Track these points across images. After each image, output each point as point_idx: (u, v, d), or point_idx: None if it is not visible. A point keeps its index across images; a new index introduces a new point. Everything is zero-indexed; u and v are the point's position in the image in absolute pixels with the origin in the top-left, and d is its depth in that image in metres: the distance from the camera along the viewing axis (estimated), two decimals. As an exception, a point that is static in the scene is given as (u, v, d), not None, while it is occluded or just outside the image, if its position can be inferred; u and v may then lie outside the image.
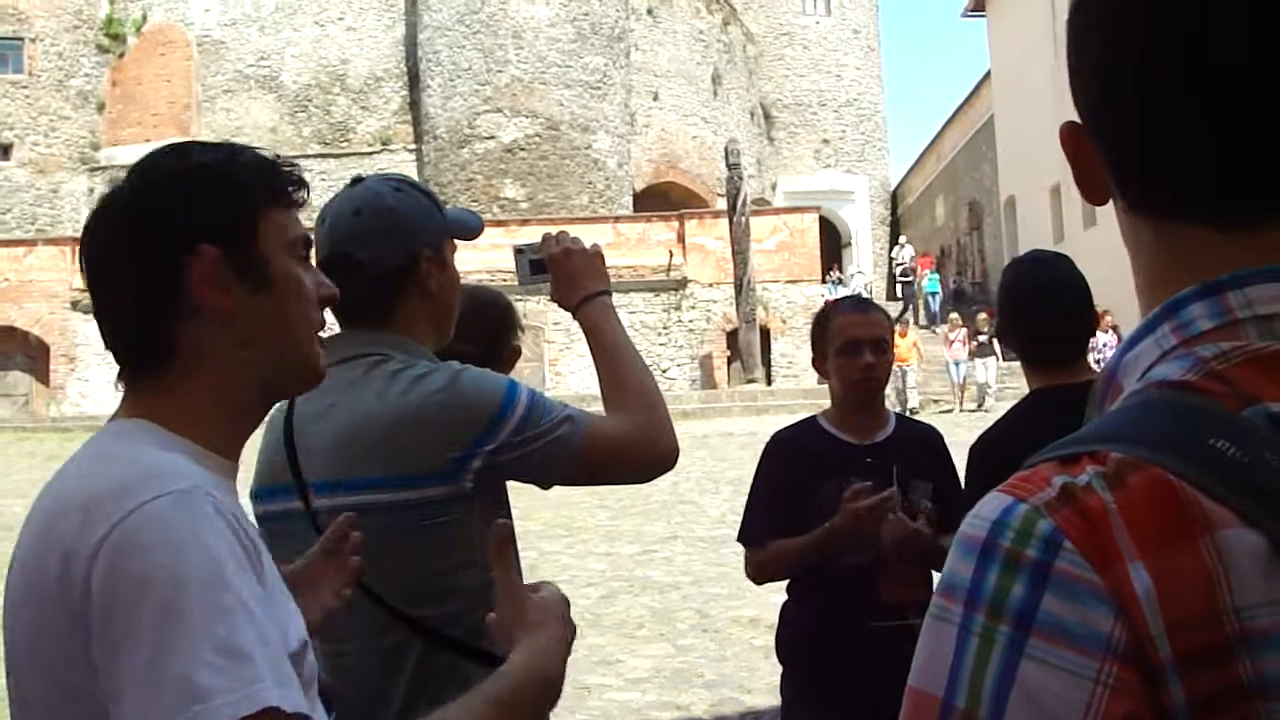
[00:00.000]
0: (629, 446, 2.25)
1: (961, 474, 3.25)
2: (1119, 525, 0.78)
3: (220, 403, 1.44)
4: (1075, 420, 2.20)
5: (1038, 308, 3.08)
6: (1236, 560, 0.75)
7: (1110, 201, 1.00)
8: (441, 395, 2.13)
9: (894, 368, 24.52)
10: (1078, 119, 1.01)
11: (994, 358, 25.86)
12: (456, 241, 2.40)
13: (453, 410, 2.12)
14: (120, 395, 1.48)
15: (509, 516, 2.26)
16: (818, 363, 3.77)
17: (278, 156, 1.57)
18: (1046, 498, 0.81)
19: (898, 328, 25.82)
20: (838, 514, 3.35)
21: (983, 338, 25.74)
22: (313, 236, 1.60)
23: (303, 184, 1.56)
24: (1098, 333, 22.75)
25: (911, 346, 26.66)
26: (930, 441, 3.77)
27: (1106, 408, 0.93)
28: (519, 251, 2.54)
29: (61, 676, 1.23)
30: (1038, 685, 0.76)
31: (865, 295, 29.65)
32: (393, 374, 2.17)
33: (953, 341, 27.36)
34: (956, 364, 27.16)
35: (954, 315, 29.66)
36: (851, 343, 3.59)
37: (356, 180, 2.37)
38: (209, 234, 1.42)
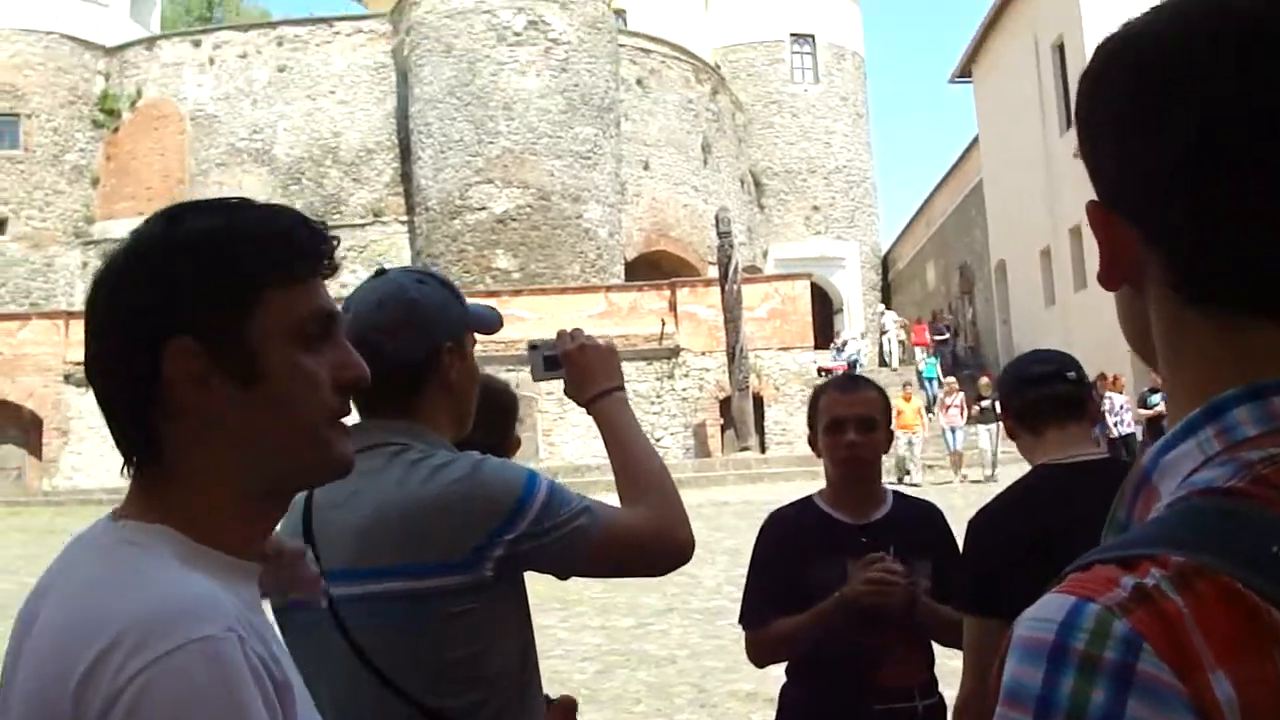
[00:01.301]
0: (645, 539, 2.27)
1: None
2: (1195, 631, 0.75)
3: (226, 504, 1.30)
4: (1079, 501, 2.24)
5: (1035, 381, 3.14)
6: None
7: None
8: (462, 484, 2.14)
9: (897, 434, 23.81)
10: (1096, 196, 0.97)
11: (997, 424, 22.87)
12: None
13: (474, 500, 2.13)
14: (128, 480, 1.36)
15: (527, 607, 2.31)
16: (812, 440, 3.76)
17: (297, 217, 1.41)
18: (1118, 598, 0.77)
19: (902, 391, 25.55)
20: (846, 585, 3.36)
21: (985, 403, 23.98)
22: (335, 308, 1.42)
23: (324, 250, 1.39)
24: (1110, 394, 22.78)
25: (917, 412, 25.77)
26: (930, 519, 3.75)
27: (1139, 509, 0.91)
28: (533, 347, 2.55)
29: None
30: None
31: (859, 367, 29.08)
32: (413, 463, 2.18)
33: (949, 407, 26.16)
34: (954, 430, 25.71)
35: (950, 380, 28.66)
36: (836, 421, 3.59)
37: (380, 272, 2.40)
38: (186, 323, 1.28)
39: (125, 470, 1.34)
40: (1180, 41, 0.90)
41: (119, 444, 1.33)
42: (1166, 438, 0.90)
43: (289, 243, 1.36)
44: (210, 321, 1.28)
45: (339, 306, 1.50)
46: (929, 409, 29.25)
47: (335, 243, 1.41)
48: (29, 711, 1.16)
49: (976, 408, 25.01)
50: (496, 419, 3.15)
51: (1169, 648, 0.74)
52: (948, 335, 41.15)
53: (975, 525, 3.12)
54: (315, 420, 1.34)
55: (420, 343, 2.27)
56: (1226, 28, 0.89)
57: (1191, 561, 0.78)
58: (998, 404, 3.37)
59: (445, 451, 2.24)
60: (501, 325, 2.47)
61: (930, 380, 34.90)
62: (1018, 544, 2.83)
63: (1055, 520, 2.64)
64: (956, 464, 25.16)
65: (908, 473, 24.68)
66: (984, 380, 25.16)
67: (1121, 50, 0.95)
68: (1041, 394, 3.12)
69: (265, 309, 1.31)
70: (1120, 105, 0.93)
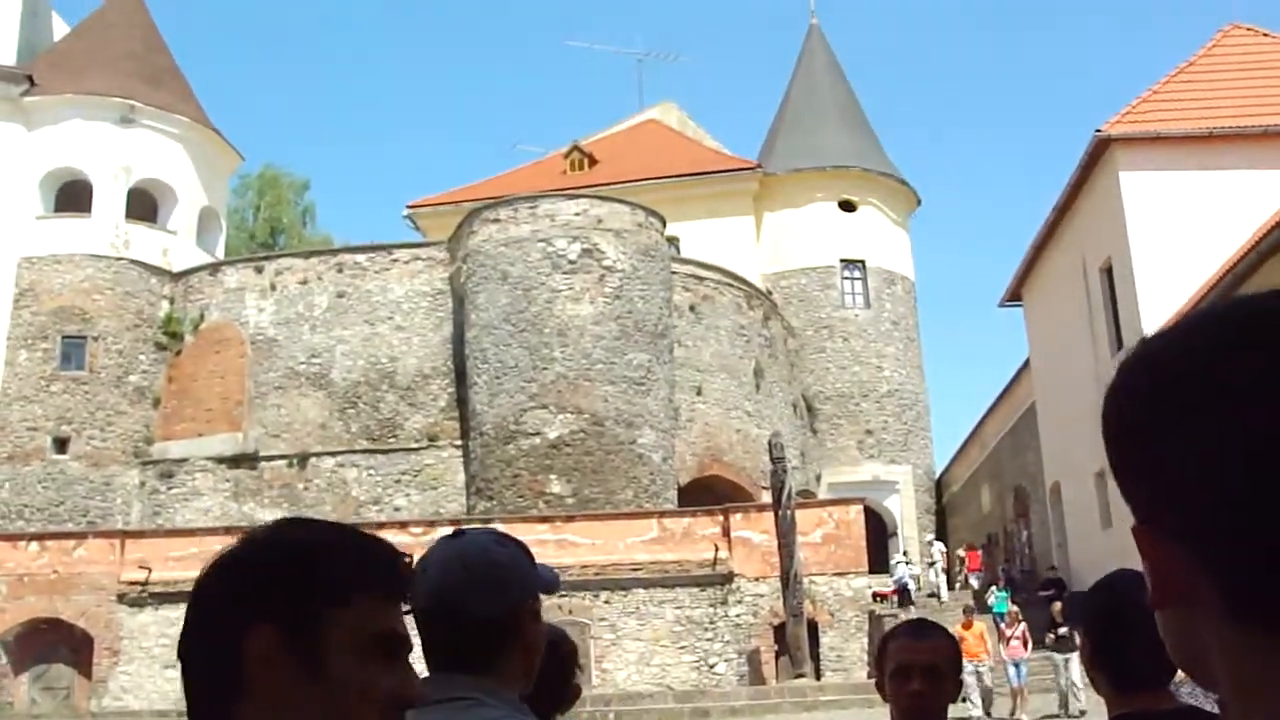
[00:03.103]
0: None
1: None
2: None
3: None
4: None
5: (1135, 630, 2.87)
6: None
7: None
8: None
9: (967, 664, 22.51)
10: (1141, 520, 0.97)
11: (1077, 653, 19.72)
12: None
13: None
14: None
15: None
16: (879, 684, 3.72)
17: (384, 543, 1.54)
18: None
19: (962, 619, 24.48)
20: None
21: (1063, 630, 21.73)
22: (407, 635, 1.55)
23: (404, 576, 1.52)
24: None
25: (979, 638, 23.83)
26: None
27: None
28: None
29: None
30: None
31: (912, 593, 27.80)
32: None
33: (1009, 638, 24.08)
34: (1016, 664, 23.66)
35: (1014, 609, 26.18)
36: (903, 667, 3.55)
37: (459, 532, 2.49)
38: (272, 613, 1.41)
39: None
40: (1214, 361, 0.92)
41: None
42: None
43: (374, 562, 1.49)
44: (292, 616, 1.41)
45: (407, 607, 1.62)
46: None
47: (411, 571, 1.57)
48: None
49: (1051, 636, 23.07)
50: (557, 668, 3.20)
51: None
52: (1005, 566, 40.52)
53: None
54: None
55: (502, 602, 2.35)
56: (1257, 346, 0.90)
57: None
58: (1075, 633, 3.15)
59: (515, 712, 2.30)
60: (559, 586, 2.55)
61: (1001, 615, 29.22)
62: None
63: None
64: (1018, 700, 23.26)
65: (964, 699, 22.55)
66: (1057, 605, 22.63)
67: (1150, 369, 0.98)
68: (1136, 656, 2.96)
69: (343, 616, 1.44)
70: (1156, 427, 0.94)
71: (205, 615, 1.46)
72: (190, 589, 1.56)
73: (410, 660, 1.56)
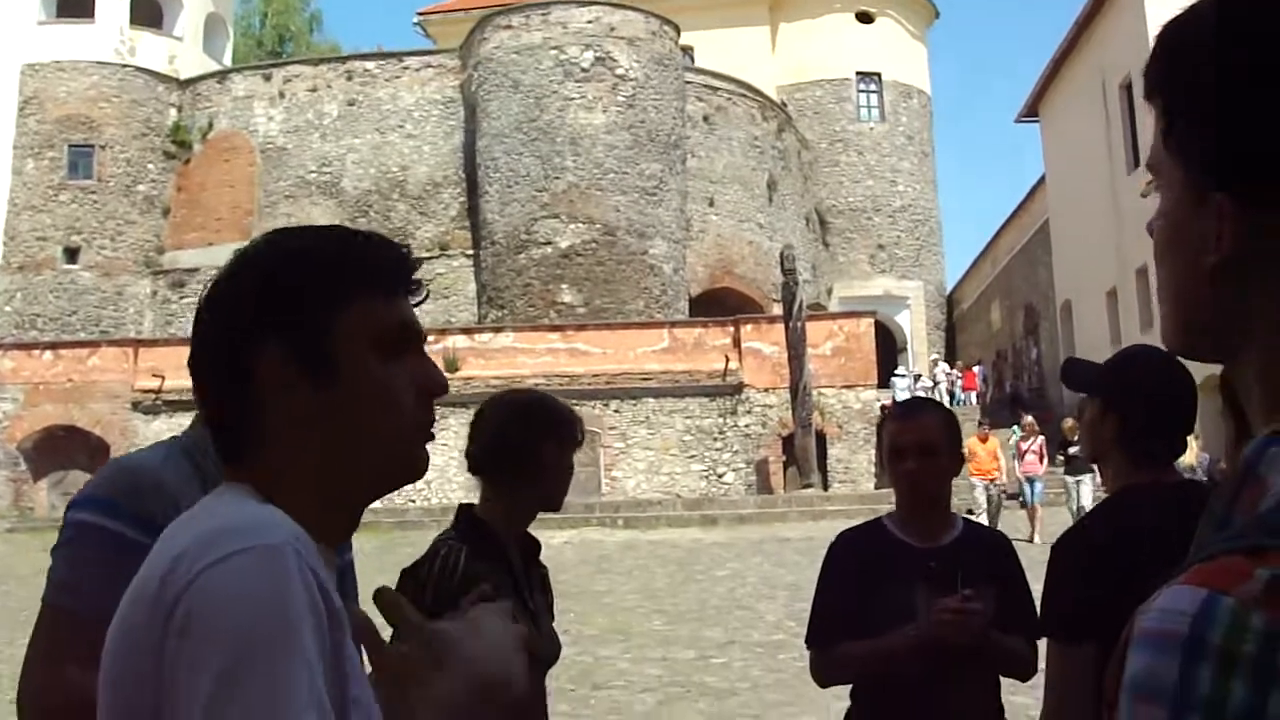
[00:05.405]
0: None
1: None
2: None
3: (308, 499, 1.38)
4: (1169, 519, 2.17)
5: (1157, 405, 2.96)
6: None
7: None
8: None
9: (977, 481, 21.94)
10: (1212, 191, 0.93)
11: (1090, 475, 19.86)
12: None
13: None
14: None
15: None
16: (881, 466, 3.77)
17: (382, 239, 1.50)
18: (1253, 590, 0.75)
19: (977, 432, 22.80)
20: (920, 623, 3.36)
21: (1075, 450, 19.77)
22: (418, 325, 1.51)
23: (407, 269, 1.49)
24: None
25: (992, 455, 22.44)
26: (999, 547, 3.73)
27: (1244, 502, 0.87)
28: None
29: (133, 698, 1.23)
30: None
31: (923, 395, 26.82)
32: None
33: (1025, 452, 22.40)
34: (1030, 481, 21.90)
35: (1028, 419, 24.20)
36: (897, 448, 3.60)
37: None
38: (274, 326, 1.38)
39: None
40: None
41: (215, 443, 1.44)
42: (1272, 432, 0.88)
43: (374, 259, 1.45)
44: (296, 325, 1.38)
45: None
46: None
47: (419, 264, 1.51)
48: (129, 610, 1.28)
49: (1061, 456, 21.76)
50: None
51: None
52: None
53: (1057, 546, 2.99)
54: (394, 425, 1.42)
55: None
56: None
57: None
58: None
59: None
60: None
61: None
62: (1102, 557, 2.76)
63: (1145, 536, 2.58)
64: (1033, 521, 21.24)
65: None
66: (1069, 422, 21.06)
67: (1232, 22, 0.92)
68: (1162, 429, 2.99)
69: (348, 317, 1.40)
70: (1235, 79, 0.90)
71: (209, 342, 1.41)
72: None
73: (426, 351, 1.52)
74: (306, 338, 1.38)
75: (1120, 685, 0.79)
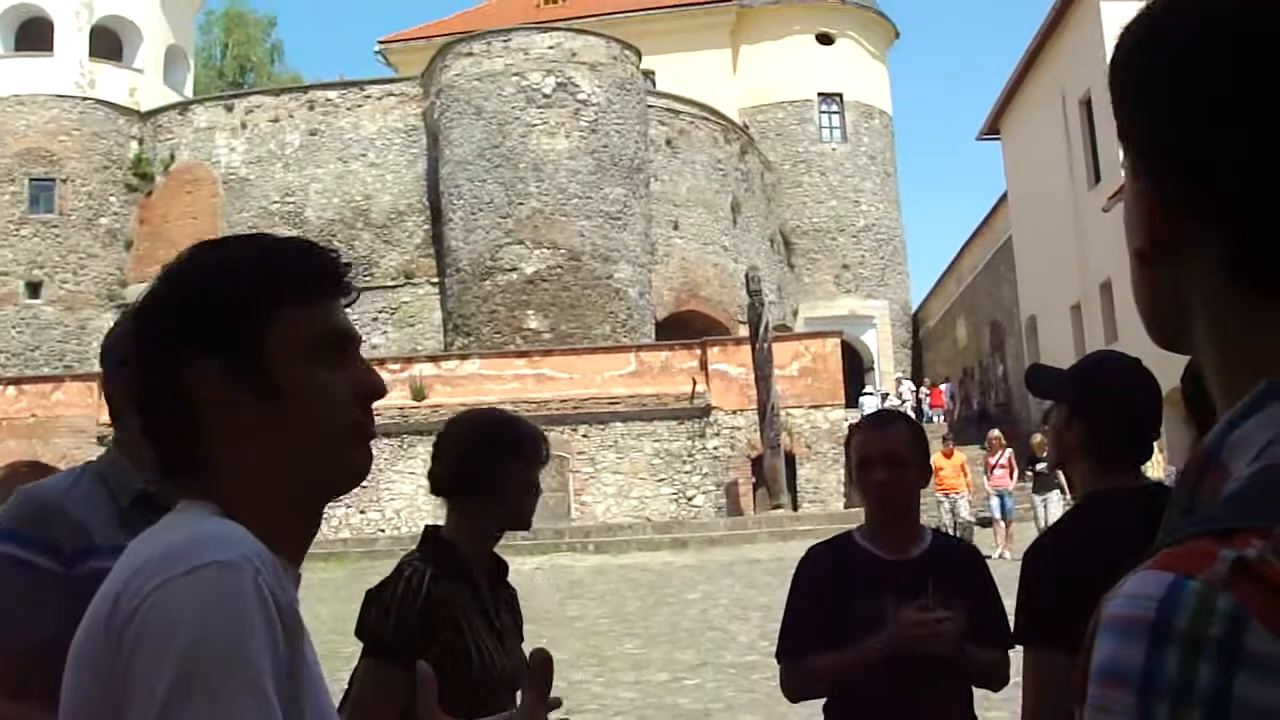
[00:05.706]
0: None
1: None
2: None
3: (266, 510, 1.36)
4: (1137, 523, 2.17)
5: (1123, 409, 2.97)
6: None
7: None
8: None
9: (941, 497, 21.94)
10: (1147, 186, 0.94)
11: (1057, 491, 19.96)
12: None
13: None
14: None
15: None
16: (850, 479, 3.79)
17: (307, 244, 1.50)
18: (1219, 572, 0.74)
19: (942, 447, 22.48)
20: (888, 632, 3.34)
21: (1042, 467, 20.23)
22: (352, 329, 1.49)
23: (337, 273, 1.46)
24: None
25: (959, 470, 22.47)
26: (969, 559, 3.74)
27: (1206, 489, 0.87)
28: None
29: (92, 708, 1.23)
30: None
31: (890, 408, 26.75)
32: None
33: (994, 466, 22.53)
34: (1000, 496, 21.99)
35: (995, 433, 24.30)
36: (865, 459, 3.59)
37: None
38: (204, 344, 1.36)
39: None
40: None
41: (162, 467, 1.42)
42: (1230, 417, 0.88)
43: (300, 265, 1.44)
44: (226, 340, 1.36)
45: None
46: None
47: (348, 267, 1.50)
48: (85, 631, 1.27)
49: (1030, 472, 21.55)
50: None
51: (1276, 620, 0.72)
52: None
53: (1028, 554, 3.03)
54: (335, 432, 1.41)
55: None
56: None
57: None
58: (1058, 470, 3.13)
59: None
60: None
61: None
62: (1072, 561, 2.76)
63: (1112, 539, 2.58)
64: (1003, 539, 21.27)
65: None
66: (1037, 438, 20.83)
67: (1183, 23, 0.91)
68: (1122, 433, 2.99)
69: (279, 328, 1.39)
70: (1186, 83, 0.89)
71: (141, 363, 1.41)
72: None
73: (361, 354, 1.51)
74: (239, 352, 1.36)
75: (1088, 675, 0.79)
